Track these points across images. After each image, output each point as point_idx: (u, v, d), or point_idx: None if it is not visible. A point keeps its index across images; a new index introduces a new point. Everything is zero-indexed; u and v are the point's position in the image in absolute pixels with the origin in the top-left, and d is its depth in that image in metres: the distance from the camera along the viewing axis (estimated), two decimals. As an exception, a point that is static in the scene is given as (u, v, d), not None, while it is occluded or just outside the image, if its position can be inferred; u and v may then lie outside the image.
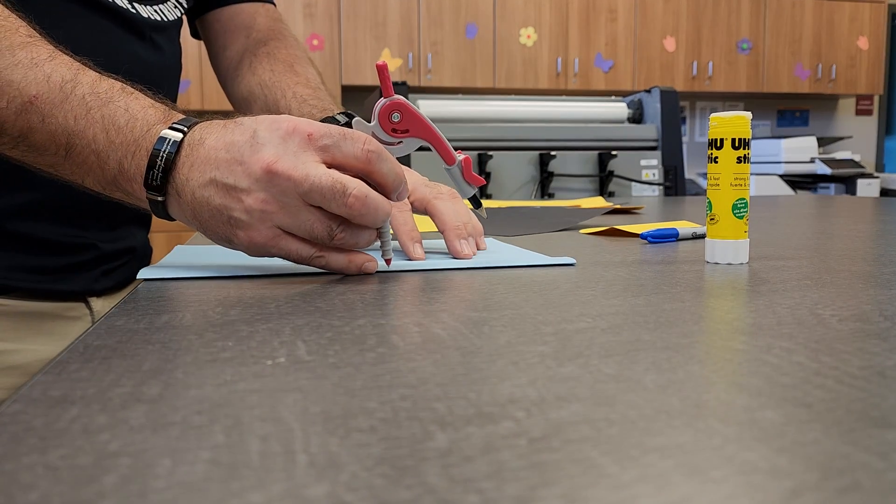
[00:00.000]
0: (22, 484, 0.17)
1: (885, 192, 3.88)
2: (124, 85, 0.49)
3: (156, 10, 0.71)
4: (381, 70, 0.47)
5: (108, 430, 0.20)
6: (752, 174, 3.72)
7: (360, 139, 0.46)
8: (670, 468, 0.18)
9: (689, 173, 4.21)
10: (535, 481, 0.17)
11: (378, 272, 0.50)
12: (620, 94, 4.04)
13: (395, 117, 0.48)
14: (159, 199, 0.46)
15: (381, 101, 0.48)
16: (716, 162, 0.53)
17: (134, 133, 0.46)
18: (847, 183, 3.73)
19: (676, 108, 2.00)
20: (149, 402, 0.23)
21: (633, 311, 0.36)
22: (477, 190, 0.55)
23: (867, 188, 3.69)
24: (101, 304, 0.69)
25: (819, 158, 3.76)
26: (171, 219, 0.48)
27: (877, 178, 3.77)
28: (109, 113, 0.46)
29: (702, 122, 4.61)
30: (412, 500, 0.16)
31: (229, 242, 0.46)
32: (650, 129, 2.00)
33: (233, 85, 0.85)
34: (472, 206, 0.58)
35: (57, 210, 0.63)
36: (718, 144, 0.53)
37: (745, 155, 0.53)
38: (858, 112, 4.84)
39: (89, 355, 0.29)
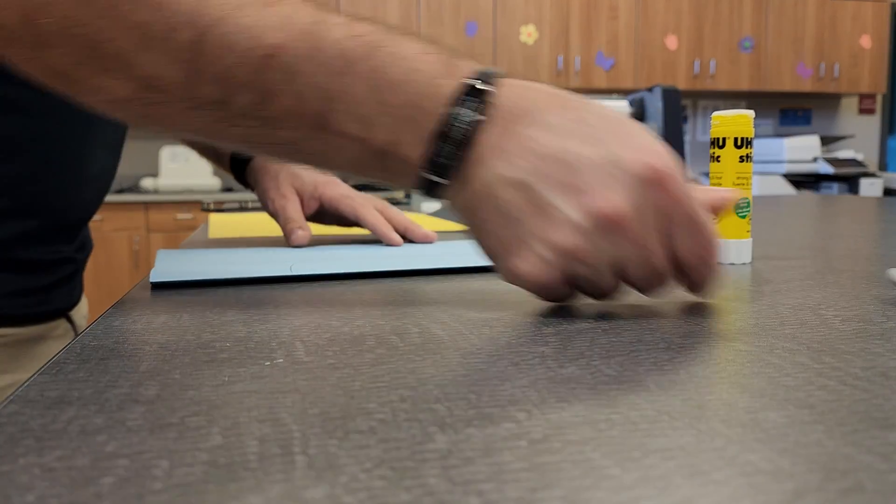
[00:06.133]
0: (19, 485, 0.17)
1: (888, 192, 3.87)
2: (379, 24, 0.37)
3: None
4: None
5: (105, 432, 0.20)
6: (754, 173, 3.71)
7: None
8: (672, 470, 0.17)
9: (691, 172, 4.21)
10: (535, 483, 0.17)
11: (376, 271, 0.50)
12: (622, 93, 4.04)
13: None
14: (443, 181, 0.35)
15: None
16: (718, 161, 0.53)
17: (417, 89, 0.34)
18: (850, 182, 3.72)
19: (678, 107, 2.00)
20: (146, 402, 0.23)
21: (633, 312, 0.36)
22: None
23: (870, 188, 3.69)
24: (75, 313, 0.68)
25: (822, 158, 3.75)
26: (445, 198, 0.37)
27: (880, 177, 3.76)
28: (378, 64, 0.35)
29: (704, 120, 4.60)
30: (412, 502, 0.16)
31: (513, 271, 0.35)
32: (652, 128, 1.99)
33: None
34: None
35: (42, 233, 0.60)
36: (721, 143, 0.53)
37: (747, 154, 0.53)
38: (861, 111, 4.83)
39: (86, 356, 0.29)
